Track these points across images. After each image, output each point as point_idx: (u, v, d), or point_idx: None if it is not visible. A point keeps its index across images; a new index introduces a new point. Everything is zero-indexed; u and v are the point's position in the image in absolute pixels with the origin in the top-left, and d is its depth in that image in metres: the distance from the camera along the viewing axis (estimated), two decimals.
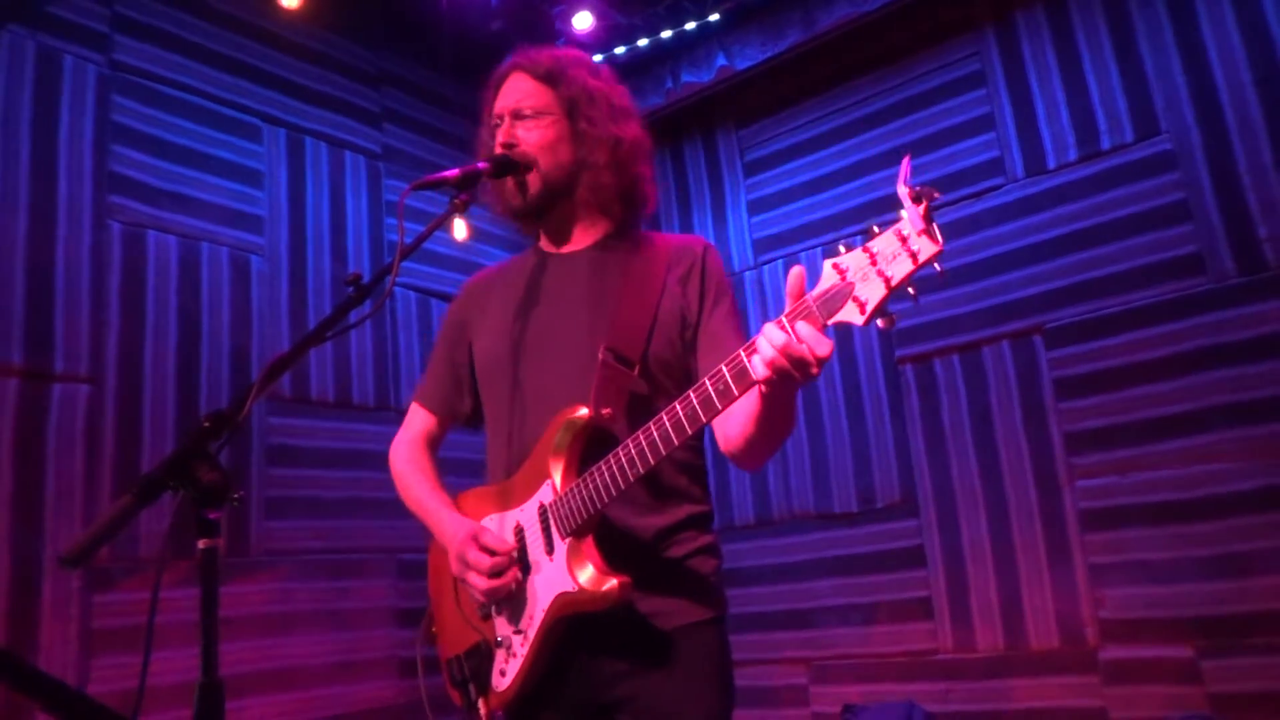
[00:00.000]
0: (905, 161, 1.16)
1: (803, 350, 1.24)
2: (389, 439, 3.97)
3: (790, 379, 1.27)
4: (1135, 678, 3.32)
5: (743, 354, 1.31)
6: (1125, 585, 3.39)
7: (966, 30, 4.04)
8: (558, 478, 1.56)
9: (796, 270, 1.29)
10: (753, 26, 4.32)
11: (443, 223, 1.63)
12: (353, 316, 1.48)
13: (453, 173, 1.64)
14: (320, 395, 3.76)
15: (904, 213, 1.15)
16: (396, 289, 4.16)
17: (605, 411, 1.56)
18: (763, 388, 1.35)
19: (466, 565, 1.63)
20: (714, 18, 4.31)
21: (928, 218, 1.13)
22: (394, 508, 4.01)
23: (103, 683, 2.91)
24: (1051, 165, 3.75)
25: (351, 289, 1.46)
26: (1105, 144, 3.63)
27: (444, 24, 4.29)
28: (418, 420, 2.00)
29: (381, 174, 4.23)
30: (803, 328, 1.24)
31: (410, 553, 3.87)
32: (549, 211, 1.81)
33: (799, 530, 4.23)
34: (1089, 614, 3.45)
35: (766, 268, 4.51)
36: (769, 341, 1.26)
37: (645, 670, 1.58)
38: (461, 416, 1.96)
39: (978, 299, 3.85)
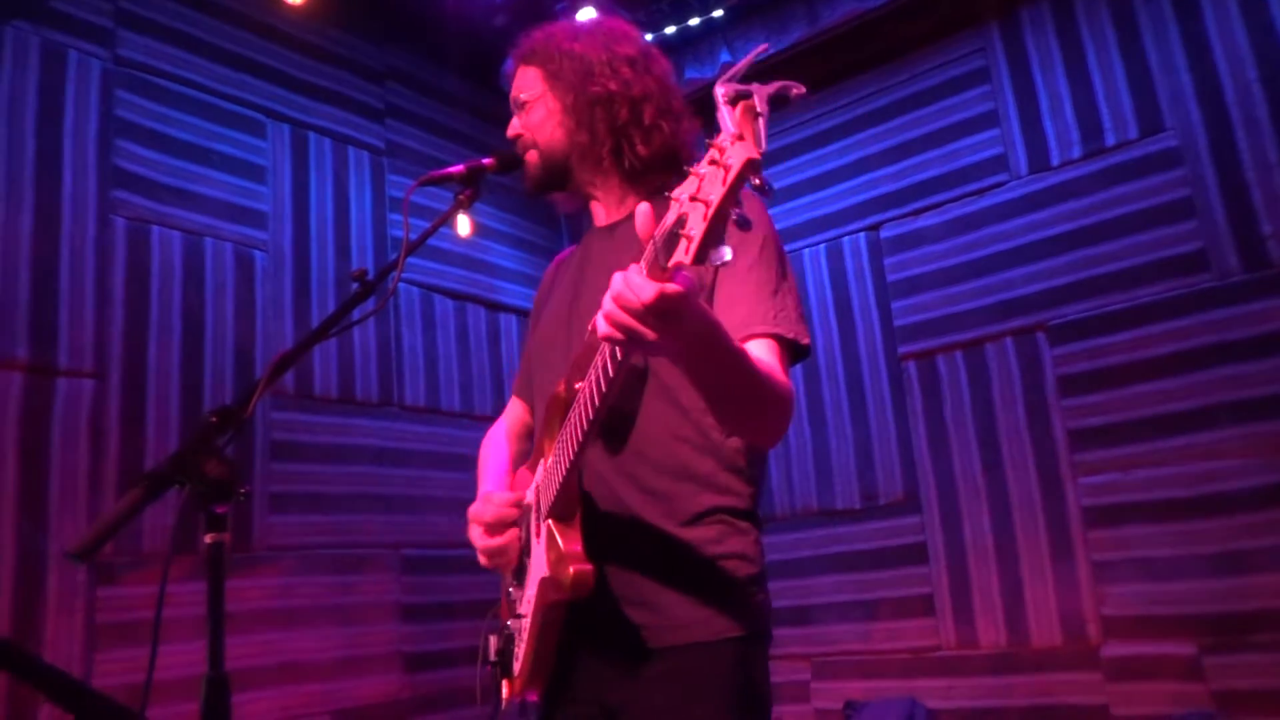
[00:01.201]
0: (749, 55, 0.96)
1: (630, 298, 1.06)
2: (392, 434, 4.04)
3: (638, 336, 1.09)
4: (1138, 675, 3.32)
5: None
6: (1128, 582, 3.38)
7: (970, 26, 4.03)
8: (548, 458, 1.53)
9: (643, 209, 1.10)
10: (756, 22, 4.32)
11: (447, 219, 1.63)
12: (356, 313, 1.48)
13: (457, 168, 1.65)
14: (323, 391, 3.77)
15: (719, 118, 0.93)
16: (400, 285, 4.16)
17: (576, 385, 1.43)
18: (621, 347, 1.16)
19: (470, 521, 1.62)
20: (718, 14, 4.30)
21: (748, 119, 0.91)
22: (397, 503, 4.05)
23: (107, 677, 2.92)
24: (1055, 162, 3.75)
25: (357, 284, 1.46)
26: (1109, 140, 3.63)
27: (448, 20, 4.28)
28: (512, 410, 2.00)
29: (385, 170, 4.23)
30: (631, 273, 1.08)
31: (413, 548, 3.88)
32: (564, 187, 1.78)
33: (801, 526, 4.23)
34: (1092, 611, 3.45)
35: None
36: (608, 295, 1.09)
37: (647, 684, 1.46)
38: None
39: (981, 295, 3.85)
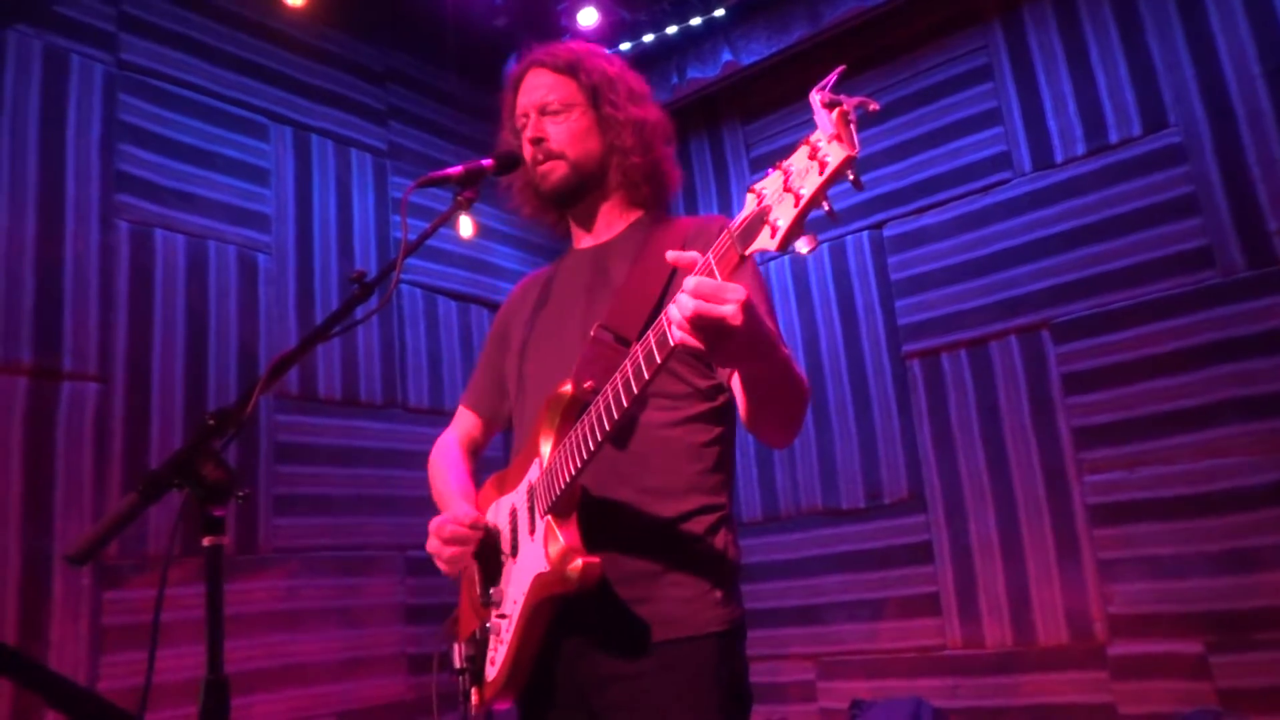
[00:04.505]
0: (835, 72, 1.06)
1: (707, 287, 1.12)
2: (395, 436, 4.04)
3: (721, 326, 1.14)
4: (1144, 673, 3.31)
5: (663, 317, 1.21)
6: (1134, 580, 3.37)
7: (973, 24, 4.02)
8: (546, 456, 1.54)
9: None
10: (758, 22, 4.31)
11: (446, 220, 1.63)
12: (360, 312, 1.48)
13: (456, 170, 1.65)
14: (327, 393, 3.77)
15: (817, 121, 1.03)
16: (403, 286, 4.17)
17: (587, 384, 1.50)
18: (696, 351, 1.19)
19: (430, 534, 1.65)
20: (719, 13, 4.30)
21: (843, 122, 1.01)
22: (401, 504, 4.06)
23: (113, 679, 2.93)
24: (1059, 159, 3.73)
25: (356, 286, 1.47)
26: (1113, 137, 3.61)
27: (449, 21, 4.29)
28: (462, 422, 2.02)
29: (388, 171, 4.24)
30: (705, 267, 1.15)
31: (417, 549, 3.87)
32: (578, 201, 1.81)
33: (807, 526, 4.22)
34: (1098, 609, 3.44)
35: (772, 264, 4.50)
36: (682, 296, 1.15)
37: (635, 680, 1.50)
38: (503, 419, 1.96)
39: (985, 294, 3.84)
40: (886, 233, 4.16)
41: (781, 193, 1.06)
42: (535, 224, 1.96)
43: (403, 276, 4.12)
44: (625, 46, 4.46)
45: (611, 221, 1.83)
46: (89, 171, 3.24)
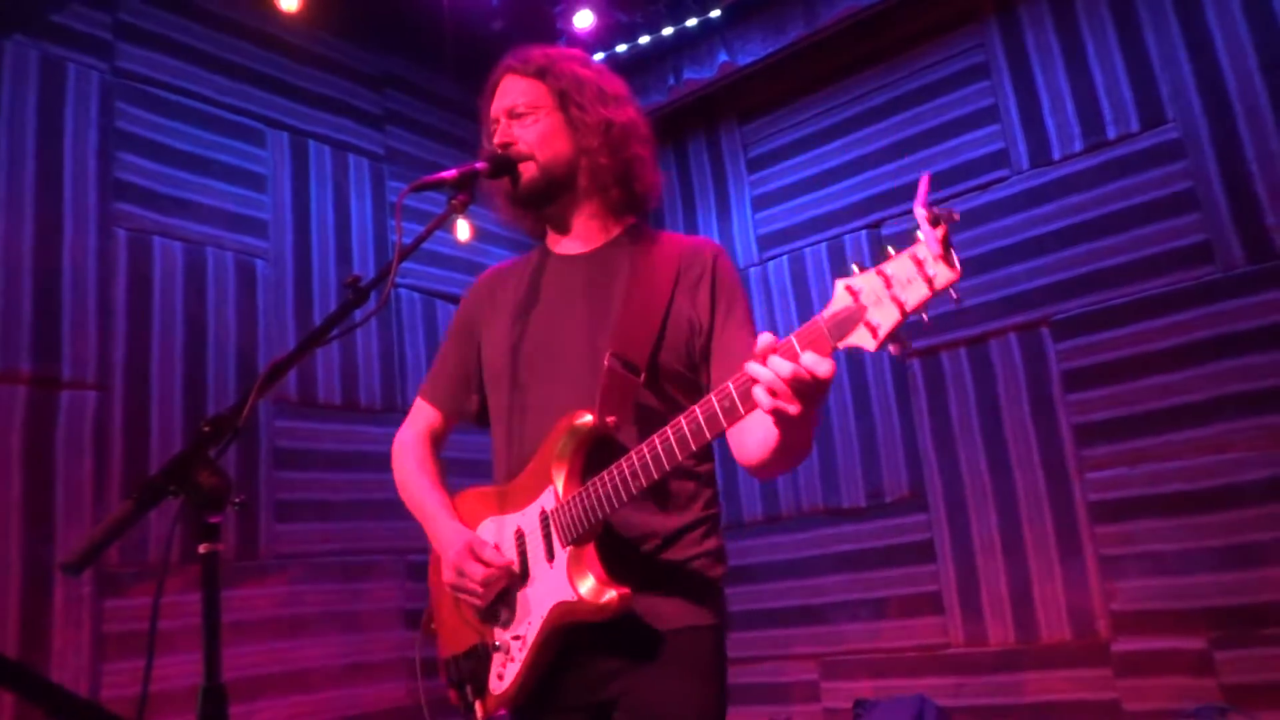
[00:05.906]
0: (924, 180, 1.12)
1: (803, 374, 1.21)
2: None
3: (806, 405, 1.24)
4: (1148, 670, 3.30)
5: (747, 375, 1.28)
6: (1137, 577, 3.37)
7: (969, 22, 4.02)
8: (560, 484, 1.55)
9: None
10: (754, 22, 4.31)
11: (441, 223, 1.63)
12: (358, 315, 1.48)
13: (451, 173, 1.64)
14: (327, 398, 3.77)
15: (920, 235, 1.10)
16: (402, 290, 4.17)
17: (610, 420, 1.55)
18: (771, 415, 1.29)
19: (463, 576, 1.64)
20: (715, 14, 4.30)
21: (945, 242, 1.08)
22: (401, 509, 4.03)
23: (115, 687, 2.93)
24: (1057, 156, 3.73)
25: (350, 291, 1.46)
26: (1111, 134, 3.61)
27: (445, 25, 4.28)
28: (422, 416, 1.98)
29: (385, 176, 4.23)
30: (807, 356, 1.21)
31: (419, 553, 3.87)
32: (550, 205, 1.80)
33: (808, 526, 4.22)
34: (1100, 606, 3.43)
35: (771, 264, 4.50)
36: (774, 371, 1.23)
37: (638, 669, 1.58)
38: (468, 414, 1.94)
39: (984, 291, 3.83)
40: (885, 231, 4.15)
41: (884, 298, 1.13)
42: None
43: (401, 281, 4.12)
44: (621, 48, 4.46)
45: (593, 228, 1.82)
46: (86, 180, 3.24)
